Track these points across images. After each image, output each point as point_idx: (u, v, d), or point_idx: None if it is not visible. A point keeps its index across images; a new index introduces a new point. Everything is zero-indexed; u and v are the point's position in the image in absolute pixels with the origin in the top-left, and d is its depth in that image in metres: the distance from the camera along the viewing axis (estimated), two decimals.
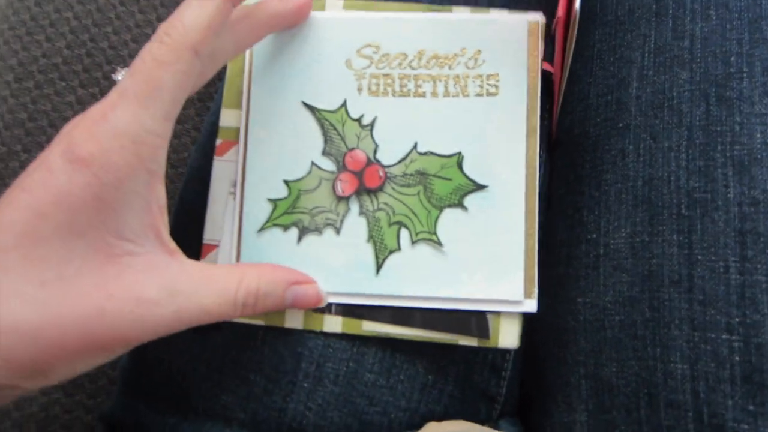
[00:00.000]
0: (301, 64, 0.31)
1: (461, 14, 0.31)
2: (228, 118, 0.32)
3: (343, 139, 0.30)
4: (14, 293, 0.21)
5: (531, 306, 0.29)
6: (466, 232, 0.29)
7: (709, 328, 0.27)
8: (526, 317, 0.33)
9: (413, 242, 0.29)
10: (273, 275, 0.27)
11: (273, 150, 0.30)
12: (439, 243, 0.29)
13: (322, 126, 0.30)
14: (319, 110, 0.31)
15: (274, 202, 0.30)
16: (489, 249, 0.29)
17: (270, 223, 0.30)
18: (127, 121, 0.23)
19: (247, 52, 0.31)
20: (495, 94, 0.30)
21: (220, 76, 0.46)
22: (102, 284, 0.23)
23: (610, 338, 0.29)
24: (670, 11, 0.31)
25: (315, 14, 0.31)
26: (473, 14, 0.31)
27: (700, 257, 0.27)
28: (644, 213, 0.29)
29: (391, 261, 0.29)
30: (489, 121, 0.30)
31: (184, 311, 0.24)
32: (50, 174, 0.22)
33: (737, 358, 0.26)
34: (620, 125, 0.31)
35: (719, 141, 0.28)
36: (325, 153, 0.30)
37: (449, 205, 0.29)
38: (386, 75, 0.30)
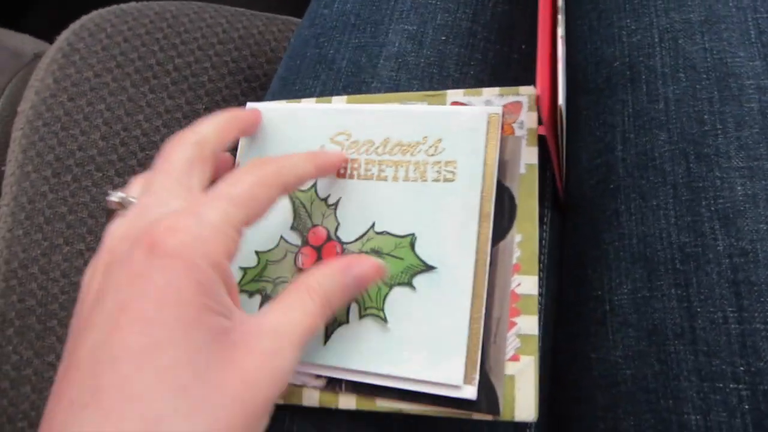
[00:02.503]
0: (282, 148, 0.34)
1: (425, 107, 0.33)
2: None
3: (310, 216, 0.33)
4: (169, 412, 0.20)
5: (470, 393, 0.29)
6: (412, 311, 0.30)
7: (716, 378, 0.28)
8: (543, 384, 0.34)
9: (361, 316, 0.30)
10: (325, 269, 0.28)
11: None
12: (384, 319, 0.30)
13: (293, 204, 0.33)
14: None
15: (244, 269, 0.33)
16: (432, 330, 0.30)
17: (239, 288, 0.32)
18: (215, 215, 0.24)
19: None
20: (452, 180, 0.31)
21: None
22: (234, 360, 0.23)
23: (624, 393, 0.30)
24: (643, 77, 0.33)
25: (298, 105, 0.35)
26: (437, 107, 0.33)
27: (699, 309, 0.29)
28: (642, 269, 0.31)
29: (339, 333, 0.30)
30: (444, 206, 0.31)
31: (299, 341, 0.25)
32: (143, 278, 0.22)
33: (747, 407, 0.27)
34: (611, 186, 0.33)
35: (703, 196, 0.30)
36: (293, 228, 0.33)
37: (399, 284, 0.31)
38: (354, 159, 0.33)
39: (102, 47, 0.45)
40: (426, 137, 0.32)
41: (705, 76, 0.31)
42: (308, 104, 0.35)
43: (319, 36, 0.39)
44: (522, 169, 0.32)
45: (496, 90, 0.34)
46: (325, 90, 0.37)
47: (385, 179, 0.32)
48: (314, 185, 0.33)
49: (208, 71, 0.47)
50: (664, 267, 0.30)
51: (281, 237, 0.33)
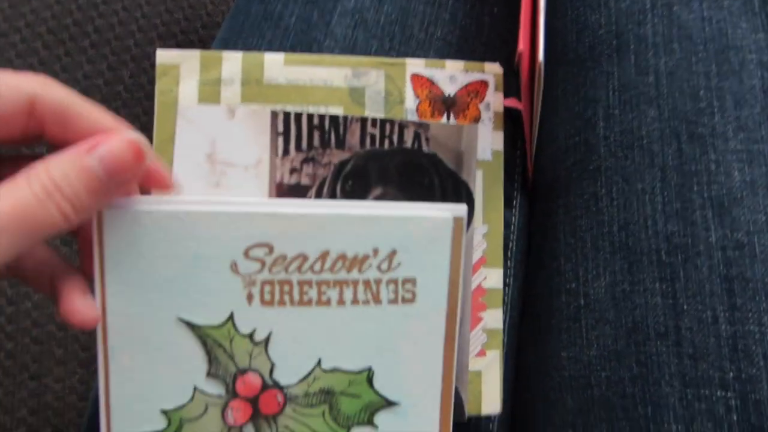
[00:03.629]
0: (174, 270, 0.25)
1: (374, 209, 0.26)
2: None
3: (231, 358, 0.25)
4: None
5: None
6: None
7: (702, 384, 0.25)
8: (507, 378, 0.31)
9: None
10: (62, 154, 0.21)
11: (144, 377, 0.25)
12: None
13: (204, 344, 0.25)
14: (199, 327, 0.25)
15: None
16: None
17: None
18: None
19: (96, 257, 0.24)
20: (411, 301, 0.26)
21: None
22: None
23: (598, 397, 0.27)
24: (632, 46, 0.30)
25: (187, 205, 0.25)
26: (388, 210, 0.26)
27: (685, 307, 0.26)
28: (623, 260, 0.28)
29: None
30: (403, 332, 0.26)
31: None
32: None
33: (735, 417, 0.24)
34: (591, 168, 0.30)
35: (695, 181, 0.27)
36: (210, 375, 0.25)
37: (358, 424, 0.26)
38: (283, 281, 0.25)
39: (9, 4, 0.39)
40: (377, 249, 0.26)
41: (702, 47, 0.28)
42: (204, 206, 0.25)
43: None
44: (487, 156, 0.30)
45: (460, 64, 0.30)
46: (270, 51, 0.32)
47: (327, 304, 0.26)
48: (231, 318, 0.25)
49: (135, 35, 0.41)
50: (648, 258, 0.27)
51: (195, 388, 0.25)
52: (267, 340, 0.25)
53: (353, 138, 0.28)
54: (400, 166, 0.28)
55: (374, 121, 0.28)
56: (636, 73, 0.29)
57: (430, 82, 0.30)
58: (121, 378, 0.25)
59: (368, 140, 0.28)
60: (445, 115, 0.30)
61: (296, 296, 0.25)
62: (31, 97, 0.21)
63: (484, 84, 0.30)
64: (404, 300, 0.26)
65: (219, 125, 0.29)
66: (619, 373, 0.27)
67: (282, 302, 0.25)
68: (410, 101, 0.30)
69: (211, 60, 0.29)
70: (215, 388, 0.25)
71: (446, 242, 0.26)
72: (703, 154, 0.27)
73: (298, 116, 0.28)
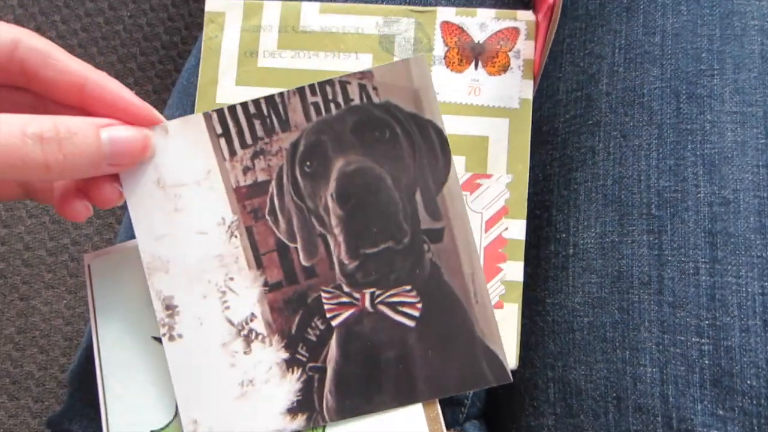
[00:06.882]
0: (147, 296, 0.26)
1: None
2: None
3: None
4: None
5: None
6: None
7: (678, 331, 0.26)
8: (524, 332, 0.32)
9: None
10: (77, 117, 0.22)
11: (133, 402, 0.26)
12: None
13: None
14: None
15: None
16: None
17: None
18: None
19: (89, 301, 0.27)
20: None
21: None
22: None
23: (579, 340, 0.29)
24: (641, 6, 0.30)
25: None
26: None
27: (670, 258, 0.27)
28: (614, 212, 0.29)
29: None
30: None
31: None
32: None
33: (707, 362, 0.25)
34: (590, 122, 0.31)
35: (690, 139, 0.27)
36: None
37: None
38: None
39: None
40: None
41: (708, 11, 0.29)
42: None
43: None
44: (515, 104, 0.30)
45: (492, 12, 0.30)
46: None
47: None
48: None
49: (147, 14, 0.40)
50: (638, 211, 0.28)
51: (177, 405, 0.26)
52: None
53: (296, 114, 0.26)
54: (355, 127, 0.26)
55: (312, 87, 0.26)
56: (643, 33, 0.30)
57: (460, 30, 0.31)
58: (115, 405, 0.27)
59: (312, 111, 0.26)
60: (473, 64, 0.31)
61: None
62: (15, 41, 0.22)
63: (515, 31, 0.30)
64: None
65: (157, 148, 0.26)
66: (601, 318, 0.28)
67: None
68: (439, 49, 0.31)
69: (252, 8, 0.31)
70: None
71: None
72: (700, 114, 0.28)
73: (233, 110, 0.26)
